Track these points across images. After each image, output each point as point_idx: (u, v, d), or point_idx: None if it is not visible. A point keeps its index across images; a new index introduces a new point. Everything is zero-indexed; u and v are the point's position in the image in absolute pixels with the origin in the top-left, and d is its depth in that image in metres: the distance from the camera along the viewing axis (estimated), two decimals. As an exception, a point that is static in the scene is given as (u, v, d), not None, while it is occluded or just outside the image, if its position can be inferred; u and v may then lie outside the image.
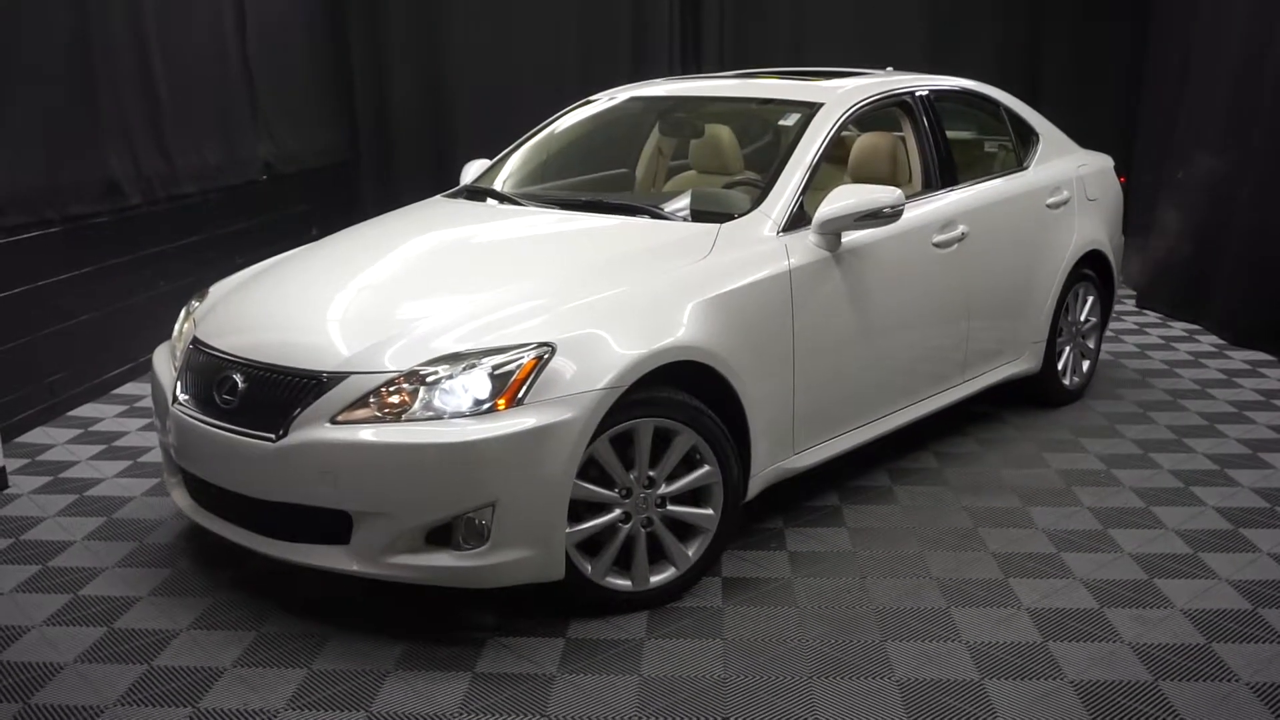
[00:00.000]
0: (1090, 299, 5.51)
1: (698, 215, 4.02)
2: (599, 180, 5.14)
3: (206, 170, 6.70)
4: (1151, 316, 7.29)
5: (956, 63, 6.84)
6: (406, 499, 3.09)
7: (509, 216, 4.40)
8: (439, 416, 3.11)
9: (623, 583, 3.42)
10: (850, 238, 4.01)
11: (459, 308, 3.42)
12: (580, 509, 3.29)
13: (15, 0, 5.00)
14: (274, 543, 3.34)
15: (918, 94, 4.75)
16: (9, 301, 4.91)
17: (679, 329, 3.43)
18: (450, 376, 3.15)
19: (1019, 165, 5.21)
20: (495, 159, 5.00)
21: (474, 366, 3.15)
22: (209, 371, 3.49)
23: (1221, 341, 6.59)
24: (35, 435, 5.07)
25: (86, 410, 5.44)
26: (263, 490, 3.28)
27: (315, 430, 3.16)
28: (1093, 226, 5.41)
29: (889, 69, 5.39)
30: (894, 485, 4.45)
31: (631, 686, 3.07)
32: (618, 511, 3.36)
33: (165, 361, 3.84)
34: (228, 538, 3.47)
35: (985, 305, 4.75)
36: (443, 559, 3.14)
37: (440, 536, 3.14)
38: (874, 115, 4.62)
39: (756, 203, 3.98)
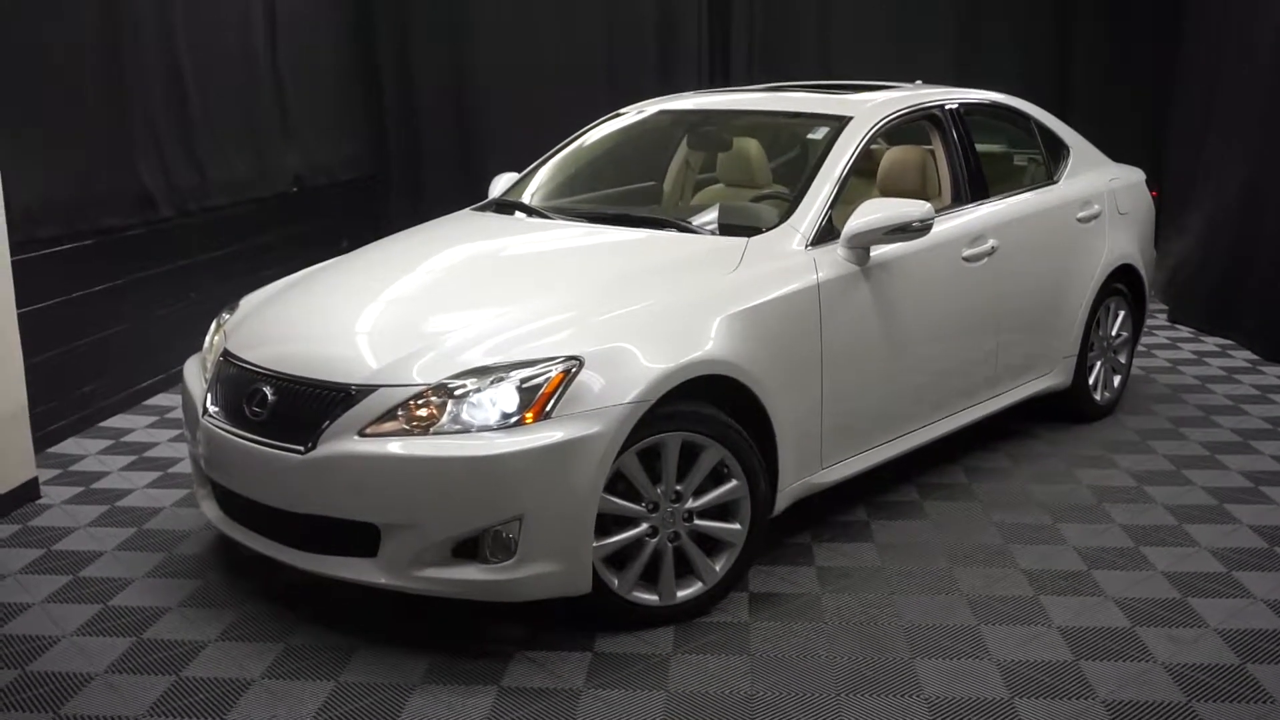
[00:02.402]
0: (1121, 314, 5.46)
1: (725, 229, 4.02)
2: (627, 193, 5.15)
3: (237, 182, 6.76)
4: (1183, 331, 7.22)
5: (986, 75, 6.81)
6: (434, 512, 3.10)
7: (537, 230, 4.41)
8: (467, 430, 3.11)
9: (649, 597, 3.41)
10: (879, 251, 4.00)
11: (487, 321, 3.43)
12: (607, 523, 3.28)
13: (47, 13, 5.06)
14: (302, 555, 3.35)
15: (947, 107, 4.74)
16: (42, 313, 4.95)
17: (707, 343, 3.43)
18: (478, 390, 3.15)
19: (1049, 179, 5.18)
20: (524, 172, 5.02)
21: (502, 380, 3.16)
22: (239, 383, 3.51)
23: (1255, 357, 6.51)
24: (67, 446, 5.11)
25: (118, 421, 5.49)
26: (291, 502, 3.29)
27: (344, 443, 3.17)
28: (1124, 240, 5.37)
29: (918, 82, 5.37)
30: (923, 500, 4.42)
31: (658, 702, 3.05)
32: (645, 526, 3.35)
33: (196, 373, 3.86)
34: (256, 549, 3.48)
35: (1015, 320, 4.72)
36: (470, 572, 3.14)
37: (467, 550, 3.14)
38: (903, 128, 4.60)
39: (785, 216, 3.97)
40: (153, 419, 5.53)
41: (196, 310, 5.90)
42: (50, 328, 5.03)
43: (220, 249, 6.53)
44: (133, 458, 4.97)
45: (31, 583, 3.76)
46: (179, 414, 5.41)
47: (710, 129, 5.08)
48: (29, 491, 4.44)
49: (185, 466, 4.78)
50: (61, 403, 5.16)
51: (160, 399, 5.86)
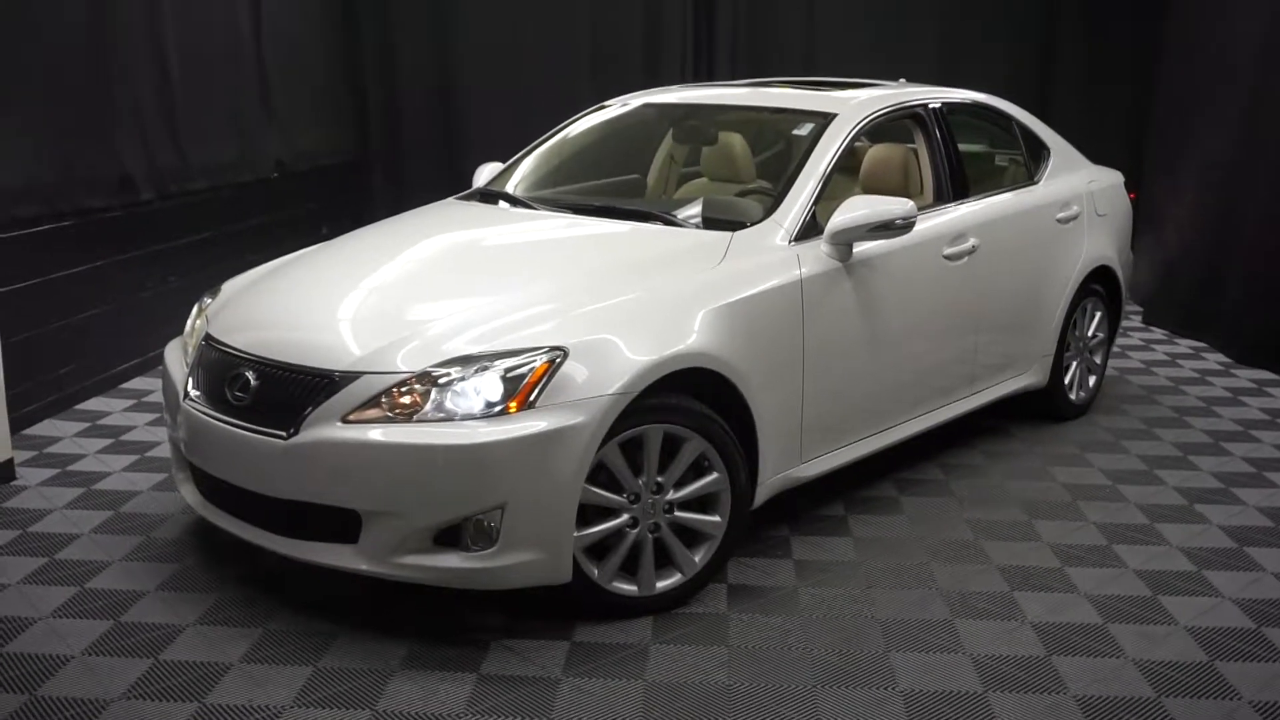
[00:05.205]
0: (1098, 314, 5.52)
1: (710, 223, 4.04)
2: (611, 185, 5.16)
3: (219, 166, 6.72)
4: (1158, 333, 7.29)
5: (969, 75, 6.84)
6: (416, 499, 3.10)
7: (521, 220, 4.41)
8: (450, 418, 3.12)
9: (629, 588, 3.43)
10: (861, 248, 4.03)
11: (472, 310, 3.44)
12: (588, 513, 3.29)
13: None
14: (282, 540, 3.35)
15: (930, 106, 4.77)
16: (20, 294, 4.92)
17: (690, 336, 3.44)
18: (462, 378, 3.16)
19: (1030, 179, 5.22)
20: (508, 162, 5.02)
21: (486, 369, 3.17)
22: (221, 368, 3.51)
23: (1228, 359, 6.59)
24: (44, 428, 5.08)
25: (95, 404, 5.46)
26: (272, 487, 3.29)
27: (326, 429, 3.17)
28: (1102, 242, 5.42)
29: (901, 80, 5.40)
30: (900, 496, 4.46)
31: (636, 691, 3.07)
32: (625, 516, 3.37)
33: (177, 357, 3.85)
34: (236, 534, 3.48)
35: (994, 318, 4.76)
36: (450, 560, 3.15)
37: (449, 537, 3.15)
38: (887, 126, 4.64)
39: (769, 212, 4.00)
40: (130, 402, 5.50)
41: (175, 294, 5.88)
42: (28, 309, 4.99)
43: (200, 233, 6.50)
44: (110, 440, 4.95)
45: (7, 564, 3.75)
46: (157, 397, 5.39)
47: (695, 123, 5.09)
48: (4, 473, 4.42)
49: (163, 450, 4.76)
50: (38, 384, 5.12)
51: (138, 382, 5.83)
